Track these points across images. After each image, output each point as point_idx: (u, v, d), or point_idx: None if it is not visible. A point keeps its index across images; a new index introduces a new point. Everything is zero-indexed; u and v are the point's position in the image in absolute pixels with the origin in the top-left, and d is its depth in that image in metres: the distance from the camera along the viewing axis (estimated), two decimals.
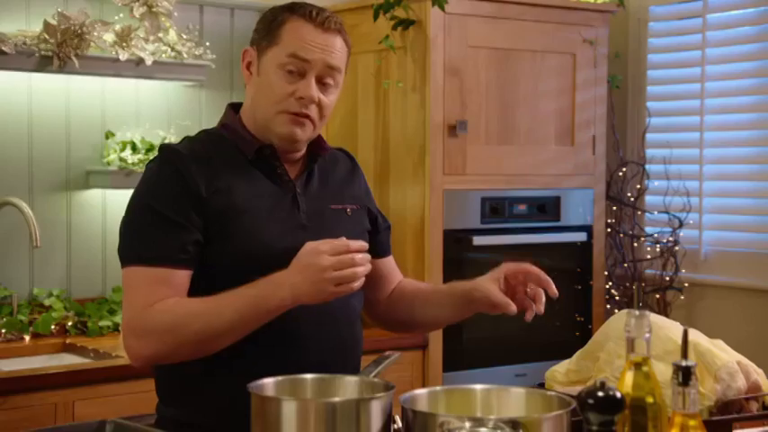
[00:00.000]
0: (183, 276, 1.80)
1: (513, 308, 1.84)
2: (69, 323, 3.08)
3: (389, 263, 2.11)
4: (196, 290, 1.81)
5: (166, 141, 3.27)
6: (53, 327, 3.05)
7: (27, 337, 3.01)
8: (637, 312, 1.35)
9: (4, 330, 2.98)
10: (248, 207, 1.84)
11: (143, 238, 1.81)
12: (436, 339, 3.31)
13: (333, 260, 1.70)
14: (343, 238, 1.73)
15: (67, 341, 3.02)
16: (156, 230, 1.79)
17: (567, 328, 3.67)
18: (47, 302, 3.10)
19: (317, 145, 1.96)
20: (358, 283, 1.73)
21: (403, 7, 3.29)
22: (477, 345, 3.45)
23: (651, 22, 4.00)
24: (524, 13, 3.52)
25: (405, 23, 3.31)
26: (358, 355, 1.95)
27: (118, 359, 2.79)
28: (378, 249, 2.02)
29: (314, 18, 1.86)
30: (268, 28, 1.89)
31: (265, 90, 1.88)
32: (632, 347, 1.35)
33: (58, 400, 2.59)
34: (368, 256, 1.75)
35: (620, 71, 3.99)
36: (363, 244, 1.76)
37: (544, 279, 1.84)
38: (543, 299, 1.85)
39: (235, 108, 1.97)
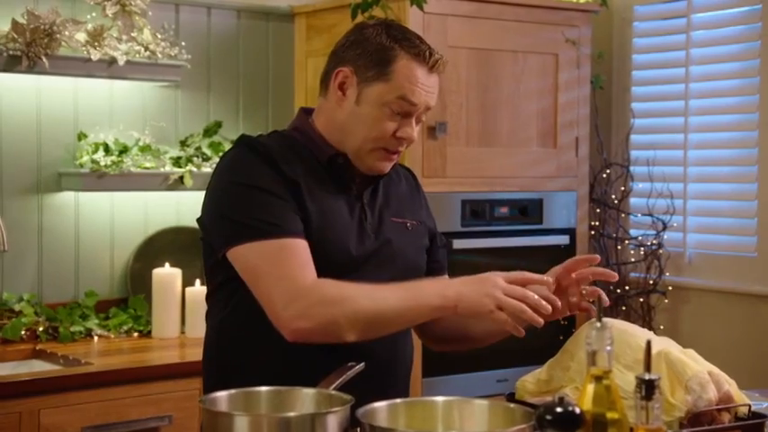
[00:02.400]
0: (305, 247, 1.79)
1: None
2: (40, 328, 3.02)
3: None
4: None
5: (139, 141, 3.21)
6: (23, 332, 2.99)
7: None
8: (598, 324, 1.30)
9: None
10: (326, 209, 1.86)
11: (257, 214, 1.78)
12: (415, 344, 3.24)
13: (504, 284, 1.71)
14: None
15: (38, 347, 2.96)
16: (268, 206, 1.79)
17: (549, 332, 3.57)
18: (17, 307, 3.03)
19: None
20: (521, 330, 1.74)
21: (381, 7, 3.24)
22: None
23: (635, 21, 3.95)
24: (505, 13, 3.46)
25: None
26: (397, 370, 2.03)
27: (87, 366, 2.74)
28: (434, 266, 2.04)
29: (427, 61, 1.85)
30: (377, 59, 1.85)
31: (364, 123, 1.87)
32: (594, 360, 1.30)
33: (23, 409, 2.52)
34: (546, 307, 1.70)
35: (604, 71, 3.94)
36: (545, 279, 1.75)
37: (598, 272, 1.83)
38: (602, 297, 1.72)
39: (306, 112, 1.97)
